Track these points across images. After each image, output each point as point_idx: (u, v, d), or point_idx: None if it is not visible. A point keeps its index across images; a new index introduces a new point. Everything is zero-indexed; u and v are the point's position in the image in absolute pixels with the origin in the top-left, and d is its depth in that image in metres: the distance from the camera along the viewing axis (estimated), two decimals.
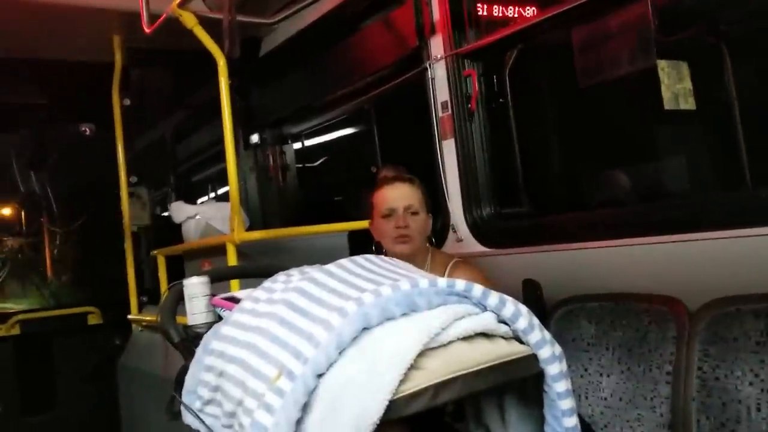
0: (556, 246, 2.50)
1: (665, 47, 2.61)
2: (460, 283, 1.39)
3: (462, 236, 2.92)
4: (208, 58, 3.09)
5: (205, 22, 3.07)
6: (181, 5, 2.98)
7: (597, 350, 2.14)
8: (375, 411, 1.15)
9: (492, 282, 2.32)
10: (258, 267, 2.05)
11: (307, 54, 4.10)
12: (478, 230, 2.88)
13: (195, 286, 1.72)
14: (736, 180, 2.70)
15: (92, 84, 4.38)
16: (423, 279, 1.39)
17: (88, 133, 5.30)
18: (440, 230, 3.05)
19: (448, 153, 2.98)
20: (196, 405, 1.48)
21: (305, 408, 1.20)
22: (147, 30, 3.23)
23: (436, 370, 1.22)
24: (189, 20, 3.01)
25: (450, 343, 1.28)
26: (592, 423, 2.08)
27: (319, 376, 1.22)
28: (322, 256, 1.70)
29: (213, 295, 1.74)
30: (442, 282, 1.38)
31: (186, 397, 1.50)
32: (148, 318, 3.96)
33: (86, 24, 3.91)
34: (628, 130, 3.10)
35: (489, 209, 2.91)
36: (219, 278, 1.93)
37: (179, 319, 1.71)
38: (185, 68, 4.50)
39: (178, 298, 1.73)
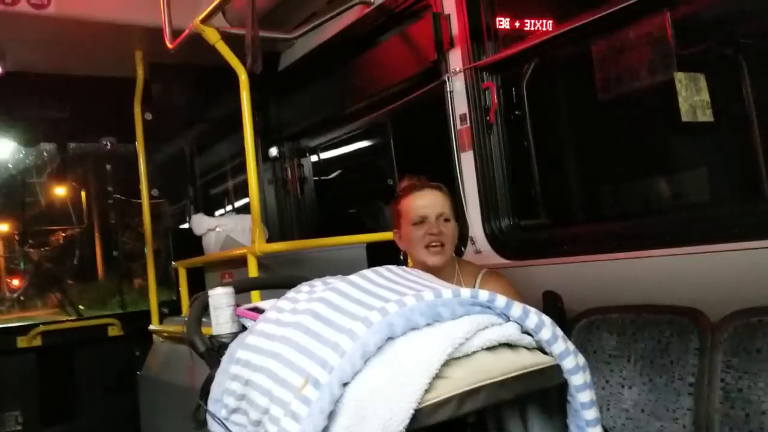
0: (576, 258, 2.51)
1: (683, 60, 2.61)
2: (484, 294, 1.40)
3: (480, 248, 2.93)
4: (227, 73, 3.13)
5: (226, 37, 3.11)
6: (203, 21, 3.03)
7: (619, 362, 2.14)
8: (400, 420, 1.16)
9: (519, 294, 2.33)
10: (281, 278, 2.08)
11: (325, 68, 4.13)
12: (496, 242, 2.88)
13: (220, 297, 1.74)
14: (756, 191, 2.69)
15: (114, 99, 4.45)
16: (446, 289, 1.40)
17: (109, 147, 5.37)
18: (458, 242, 3.05)
19: (467, 165, 2.99)
20: (222, 413, 1.49)
21: (331, 416, 1.21)
22: (170, 45, 3.29)
23: (460, 380, 1.23)
24: (212, 35, 3.06)
25: (474, 353, 1.29)
26: None
27: (345, 384, 1.23)
28: (341, 267, 1.72)
29: (237, 305, 1.76)
30: (466, 292, 1.39)
31: (212, 406, 1.51)
32: (169, 329, 3.99)
33: (109, 39, 3.98)
34: (645, 141, 3.10)
35: (508, 221, 2.91)
36: (243, 289, 1.96)
37: (204, 330, 1.73)
38: (205, 83, 4.55)
39: (204, 309, 1.76)
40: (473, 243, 2.97)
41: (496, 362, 1.30)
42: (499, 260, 2.84)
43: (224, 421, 1.49)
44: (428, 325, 1.31)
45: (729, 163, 2.95)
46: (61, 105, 4.85)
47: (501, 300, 1.40)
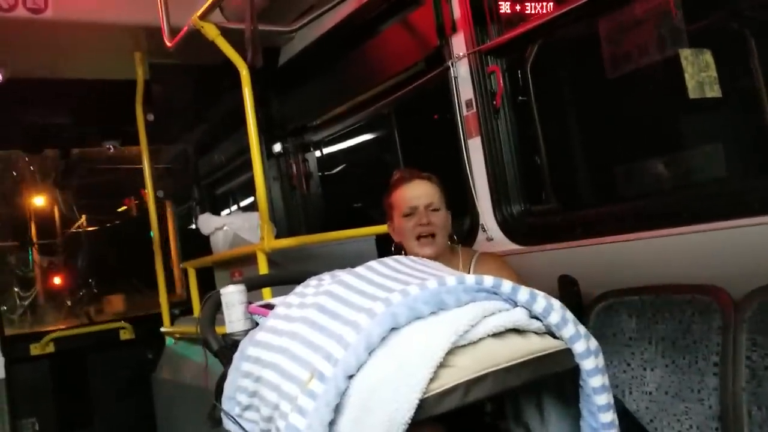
0: (591, 240, 2.46)
1: (688, 36, 2.57)
2: (489, 280, 1.37)
3: (492, 235, 2.89)
4: (228, 71, 3.10)
5: (225, 33, 3.08)
6: (201, 17, 3.00)
7: (639, 344, 2.10)
8: (406, 410, 1.15)
9: (515, 271, 2.30)
10: (292, 273, 2.05)
11: (326, 61, 4.09)
12: (508, 228, 2.84)
13: (232, 295, 1.73)
14: None
15: (116, 101, 4.42)
16: (450, 277, 1.37)
17: (112, 150, 5.35)
18: (469, 230, 3.02)
19: (475, 151, 2.95)
20: (236, 411, 1.49)
21: (337, 409, 1.20)
22: (168, 44, 3.25)
23: (466, 368, 1.21)
24: (210, 31, 3.02)
25: (480, 340, 1.27)
26: (638, 418, 2.03)
27: (350, 377, 1.22)
28: (351, 260, 1.69)
29: (250, 302, 1.74)
30: (471, 279, 1.37)
31: (225, 404, 1.51)
32: (181, 330, 3.97)
33: (108, 41, 3.96)
34: (656, 119, 3.06)
35: (519, 206, 2.87)
36: (254, 286, 1.94)
37: (218, 330, 1.71)
38: (206, 82, 4.52)
39: (216, 307, 1.75)
40: (484, 230, 2.93)
41: (503, 349, 1.28)
42: (511, 246, 2.80)
43: (237, 419, 1.48)
44: (433, 313, 1.29)
45: (745, 138, 2.90)
46: (63, 110, 4.83)
47: (507, 285, 1.37)
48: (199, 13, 2.99)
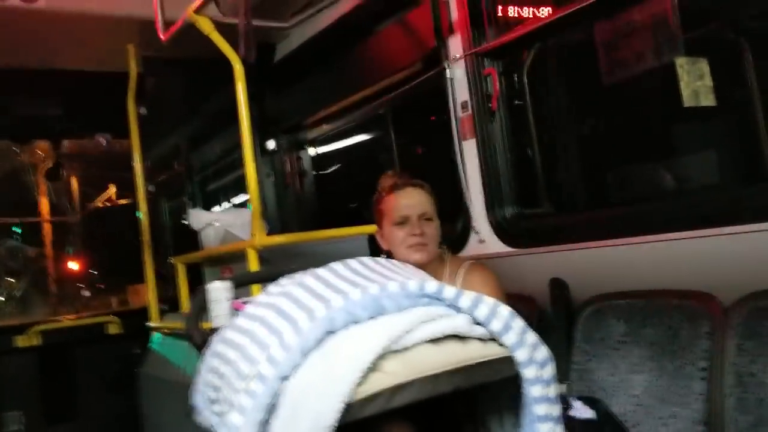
0: (582, 244, 2.46)
1: (684, 44, 2.57)
2: (432, 285, 1.38)
3: (484, 237, 2.89)
4: (222, 65, 3.08)
5: (221, 27, 3.06)
6: (197, 11, 2.98)
7: (628, 348, 2.10)
8: (330, 415, 1.16)
9: (501, 285, 2.26)
10: (280, 271, 2.04)
11: (322, 58, 4.08)
12: (501, 230, 2.84)
13: (218, 291, 1.77)
14: (763, 173, 2.65)
15: (108, 94, 4.40)
16: (393, 282, 1.38)
17: (104, 143, 5.32)
18: (461, 232, 3.02)
19: (469, 153, 2.94)
20: (205, 405, 1.51)
21: (273, 410, 1.22)
22: (162, 37, 3.24)
23: (394, 374, 1.22)
24: (205, 25, 3.00)
25: (414, 345, 1.27)
26: (624, 422, 2.03)
27: (285, 378, 1.23)
28: (342, 260, 1.68)
29: (237, 299, 1.75)
30: (413, 285, 1.37)
31: (197, 398, 1.53)
32: (168, 325, 3.95)
33: (101, 33, 3.94)
34: (650, 125, 3.06)
35: (512, 209, 2.87)
36: (242, 283, 1.94)
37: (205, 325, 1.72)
38: (200, 76, 4.50)
39: (204, 303, 1.77)
40: (477, 232, 2.92)
41: (436, 355, 1.28)
42: (504, 249, 2.80)
43: (206, 413, 1.49)
44: (371, 318, 1.30)
45: (738, 145, 2.91)
46: (54, 101, 4.80)
47: (450, 291, 1.37)
48: (194, 6, 2.98)
